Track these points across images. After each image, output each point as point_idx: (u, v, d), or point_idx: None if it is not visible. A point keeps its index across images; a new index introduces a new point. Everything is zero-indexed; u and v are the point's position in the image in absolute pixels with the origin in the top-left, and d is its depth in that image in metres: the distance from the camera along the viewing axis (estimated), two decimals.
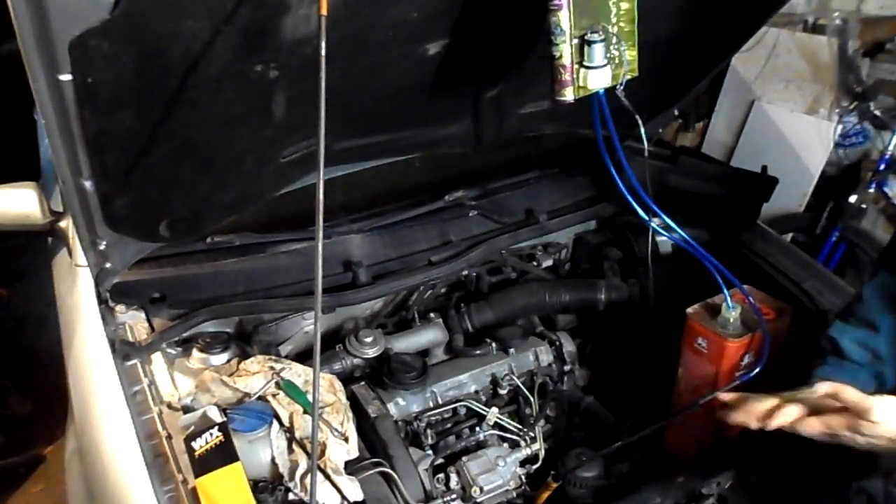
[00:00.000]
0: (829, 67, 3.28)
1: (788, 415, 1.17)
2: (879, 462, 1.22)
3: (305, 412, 1.36)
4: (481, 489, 1.48)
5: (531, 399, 1.72)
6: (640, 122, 1.36)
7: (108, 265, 1.47)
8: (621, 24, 1.28)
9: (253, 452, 1.28)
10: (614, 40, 1.26)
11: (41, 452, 2.73)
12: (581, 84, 1.25)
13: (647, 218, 1.39)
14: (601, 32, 1.23)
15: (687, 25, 1.62)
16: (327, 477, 1.26)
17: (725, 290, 1.43)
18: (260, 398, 1.37)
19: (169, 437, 1.31)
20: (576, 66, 1.24)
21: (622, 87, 1.31)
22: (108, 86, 1.09)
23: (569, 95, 1.26)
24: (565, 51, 1.22)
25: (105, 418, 1.37)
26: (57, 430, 2.07)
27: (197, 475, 1.17)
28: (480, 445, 1.61)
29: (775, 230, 2.01)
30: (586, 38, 1.22)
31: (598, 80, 1.26)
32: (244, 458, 1.21)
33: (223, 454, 1.19)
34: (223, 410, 1.31)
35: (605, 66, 1.25)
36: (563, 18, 1.20)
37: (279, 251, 1.77)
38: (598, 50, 1.23)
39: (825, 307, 1.70)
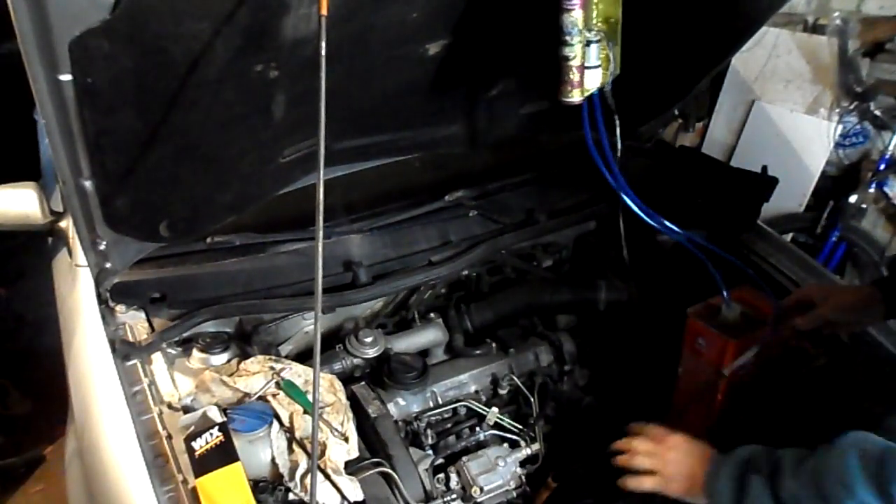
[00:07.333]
0: (829, 67, 3.27)
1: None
2: None
3: (305, 412, 1.36)
4: (481, 489, 1.48)
5: (531, 399, 1.71)
6: (616, 121, 1.37)
7: (108, 265, 1.46)
8: (609, 22, 1.28)
9: (253, 452, 1.28)
10: (604, 39, 1.27)
11: (41, 452, 2.72)
12: (585, 85, 1.26)
13: (639, 211, 1.39)
14: (596, 32, 1.23)
15: (687, 25, 1.62)
16: (327, 477, 1.26)
17: (724, 290, 1.43)
18: (260, 398, 1.37)
19: (169, 437, 1.31)
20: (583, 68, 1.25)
21: (610, 87, 1.32)
22: (108, 86, 1.09)
23: (577, 97, 1.26)
24: (579, 52, 1.22)
25: (105, 418, 1.37)
26: (57, 430, 2.07)
27: (197, 475, 1.18)
28: (480, 445, 1.60)
29: (775, 230, 2.01)
30: (588, 38, 1.22)
31: (594, 80, 1.27)
32: (244, 458, 1.21)
33: (223, 454, 1.19)
34: (223, 410, 1.31)
35: (598, 66, 1.26)
36: (579, 18, 1.19)
37: (279, 251, 1.77)
38: (594, 50, 1.24)
39: None
